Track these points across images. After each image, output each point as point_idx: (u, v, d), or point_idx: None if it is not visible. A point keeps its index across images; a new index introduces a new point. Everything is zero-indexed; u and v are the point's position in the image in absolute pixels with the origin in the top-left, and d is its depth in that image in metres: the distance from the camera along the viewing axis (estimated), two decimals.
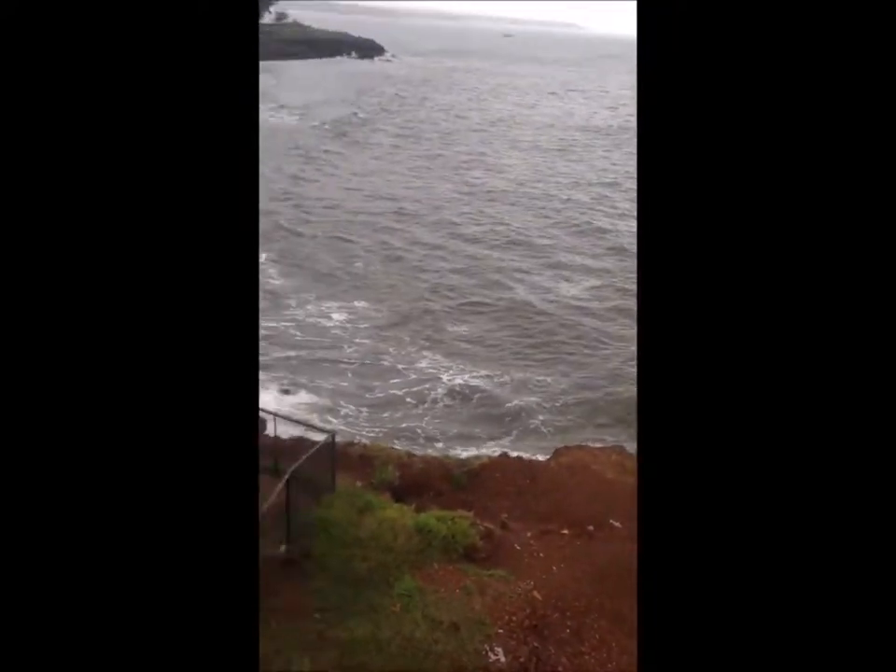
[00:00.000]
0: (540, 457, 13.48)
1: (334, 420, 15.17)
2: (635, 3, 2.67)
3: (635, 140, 2.66)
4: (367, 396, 16.49)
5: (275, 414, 9.34)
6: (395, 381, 17.34)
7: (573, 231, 29.68)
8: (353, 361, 18.05)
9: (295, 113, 55.46)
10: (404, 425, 15.47)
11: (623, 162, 42.56)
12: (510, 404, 16.72)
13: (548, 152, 45.99)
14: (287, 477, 7.38)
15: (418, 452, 13.03)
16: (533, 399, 17.07)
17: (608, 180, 38.82)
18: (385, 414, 15.86)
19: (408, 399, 16.52)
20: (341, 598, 6.98)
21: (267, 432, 9.11)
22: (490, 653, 6.95)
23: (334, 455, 8.58)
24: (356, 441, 11.86)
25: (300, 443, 9.20)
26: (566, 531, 10.55)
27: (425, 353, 18.75)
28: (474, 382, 17.63)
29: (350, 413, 15.69)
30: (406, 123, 55.38)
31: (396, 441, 14.47)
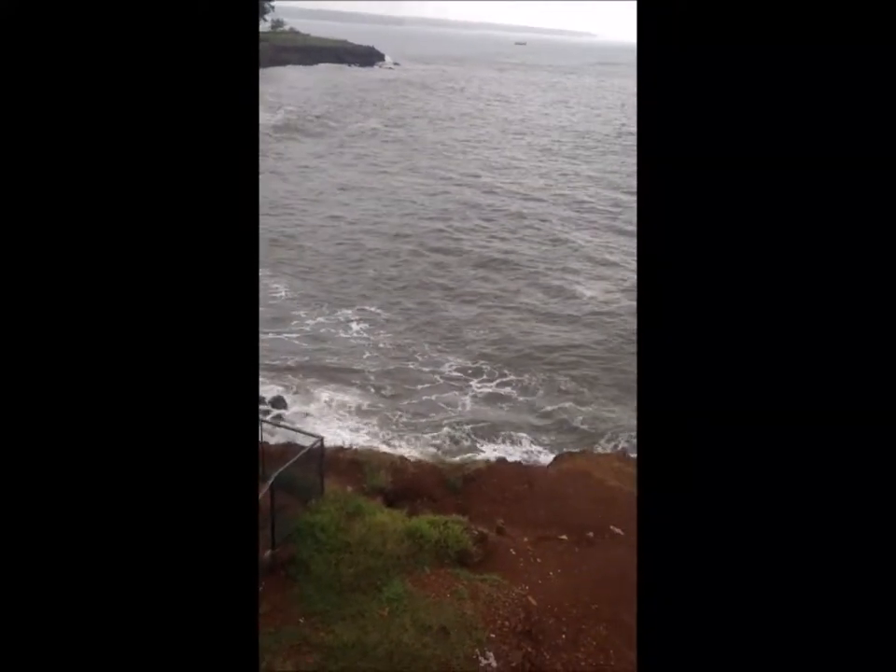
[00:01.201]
0: (541, 462, 13.29)
1: (373, 424, 15.18)
2: (635, 3, 2.68)
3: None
4: (404, 402, 16.45)
5: (262, 421, 9.20)
6: (424, 386, 17.25)
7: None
8: (376, 368, 17.93)
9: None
10: (445, 429, 15.38)
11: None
12: (547, 408, 16.61)
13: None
14: (270, 481, 7.24)
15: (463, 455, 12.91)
16: (567, 401, 17.01)
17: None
18: (423, 420, 15.78)
19: (441, 404, 16.43)
20: (326, 603, 6.81)
21: None
22: (481, 658, 6.74)
23: (322, 460, 8.43)
24: (346, 446, 11.71)
25: (288, 449, 9.06)
26: (564, 537, 10.35)
27: (448, 357, 18.63)
28: (504, 388, 17.53)
29: (390, 418, 15.67)
30: (378, 125, 55.31)
31: (438, 446, 14.40)
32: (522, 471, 12.18)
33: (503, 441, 15.10)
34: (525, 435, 15.44)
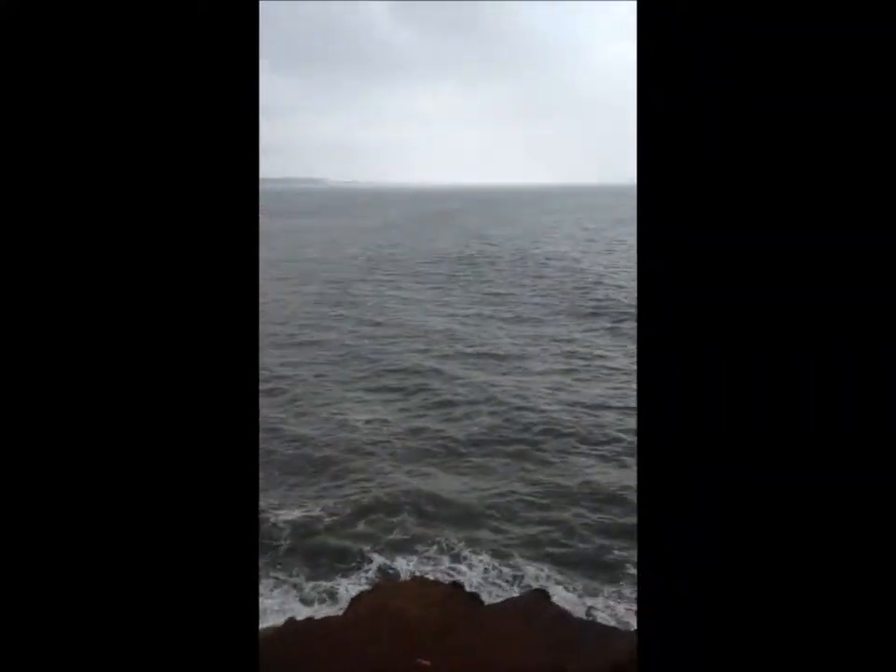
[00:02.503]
0: (331, 612, 12.57)
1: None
2: (631, 6, 2.68)
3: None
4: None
5: None
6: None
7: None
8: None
9: None
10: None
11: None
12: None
13: None
14: None
15: None
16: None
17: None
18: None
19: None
20: None
21: None
22: None
23: None
24: None
25: None
26: None
27: None
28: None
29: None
30: None
31: None
32: (316, 626, 11.43)
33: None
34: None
